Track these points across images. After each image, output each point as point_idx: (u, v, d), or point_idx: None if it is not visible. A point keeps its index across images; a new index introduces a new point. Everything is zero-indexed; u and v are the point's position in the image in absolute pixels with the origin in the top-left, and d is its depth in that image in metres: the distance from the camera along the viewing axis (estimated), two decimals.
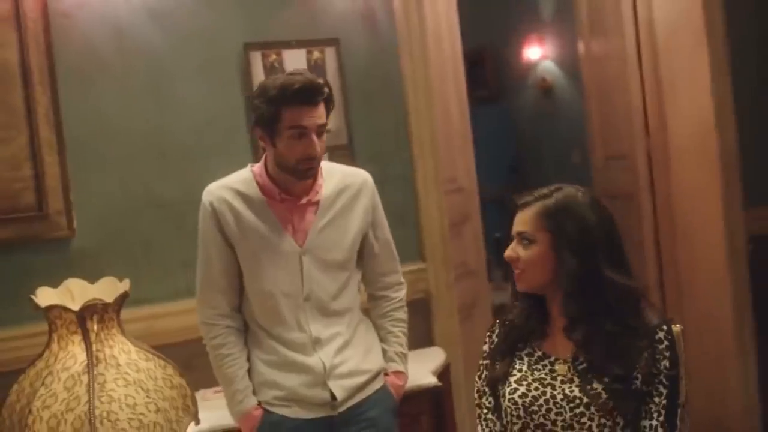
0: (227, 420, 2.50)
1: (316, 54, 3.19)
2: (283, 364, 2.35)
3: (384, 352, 2.49)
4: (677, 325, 1.97)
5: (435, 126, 3.42)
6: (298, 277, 2.34)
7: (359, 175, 2.46)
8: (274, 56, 3.13)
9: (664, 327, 1.90)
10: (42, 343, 2.31)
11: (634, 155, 4.29)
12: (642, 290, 1.98)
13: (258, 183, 2.34)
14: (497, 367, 2.01)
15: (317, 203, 2.36)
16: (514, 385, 1.94)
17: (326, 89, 2.27)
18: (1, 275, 2.80)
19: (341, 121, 3.23)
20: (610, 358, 1.86)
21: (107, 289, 2.39)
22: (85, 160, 2.90)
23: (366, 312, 2.55)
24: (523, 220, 1.94)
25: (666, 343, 1.88)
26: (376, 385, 2.43)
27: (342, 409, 2.35)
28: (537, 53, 6.07)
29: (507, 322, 2.05)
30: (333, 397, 2.33)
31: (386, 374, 2.47)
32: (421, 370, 2.96)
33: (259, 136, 2.32)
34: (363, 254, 2.47)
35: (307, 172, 2.29)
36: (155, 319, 2.95)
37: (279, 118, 2.23)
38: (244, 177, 2.37)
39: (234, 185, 2.35)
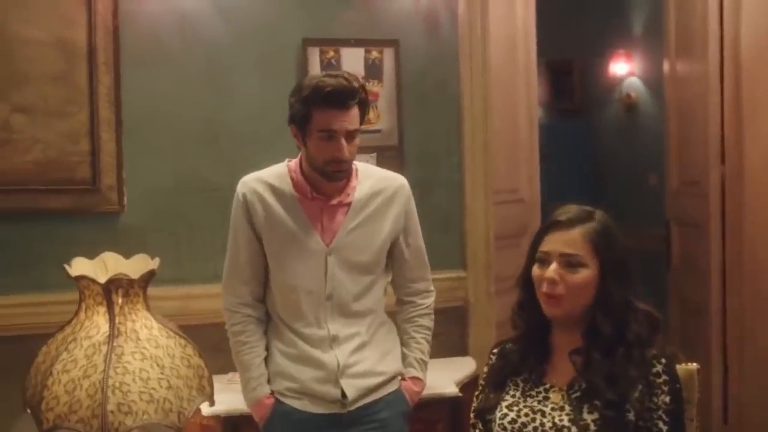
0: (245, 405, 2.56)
1: (374, 54, 3.22)
2: (299, 357, 2.39)
3: (404, 356, 2.50)
4: (692, 364, 1.90)
5: (490, 133, 3.40)
6: (322, 276, 2.36)
7: (395, 180, 2.46)
8: (331, 53, 3.17)
9: (663, 360, 1.83)
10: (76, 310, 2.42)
11: (707, 182, 4.14)
12: (661, 322, 1.93)
13: (292, 179, 2.38)
14: (489, 397, 1.97)
15: (348, 204, 2.38)
16: (505, 410, 1.91)
17: (360, 94, 2.28)
18: (52, 242, 2.93)
19: (393, 122, 3.25)
20: (607, 383, 1.81)
21: (139, 265, 2.47)
22: (140, 140, 3.03)
23: (393, 315, 2.56)
24: (569, 241, 1.86)
25: (665, 377, 1.82)
26: (390, 387, 2.44)
27: (352, 408, 2.37)
28: (624, 68, 5.93)
29: (504, 354, 2.01)
30: (343, 395, 2.36)
31: (403, 379, 2.48)
32: (445, 378, 2.95)
33: (294, 133, 2.36)
34: (393, 259, 2.48)
35: (335, 174, 2.32)
36: (191, 299, 3.05)
37: (310, 119, 2.27)
38: (279, 171, 2.41)
39: (268, 179, 2.40)
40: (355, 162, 2.43)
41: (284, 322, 2.42)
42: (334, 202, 2.37)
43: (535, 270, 1.91)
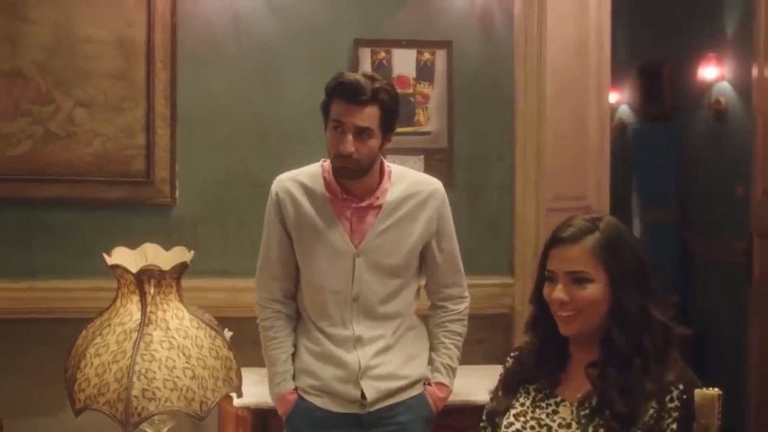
0: None
1: (426, 55, 3.22)
2: (323, 355, 2.42)
3: (432, 361, 2.49)
4: (713, 389, 1.81)
5: (544, 137, 3.34)
6: (349, 277, 2.38)
7: (430, 184, 2.44)
8: (383, 54, 3.19)
9: (680, 386, 1.74)
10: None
11: None
12: (678, 337, 1.85)
13: (324, 179, 2.40)
14: (499, 401, 1.94)
15: (379, 207, 2.38)
16: (512, 419, 1.87)
17: (380, 95, 2.26)
18: (107, 231, 3.07)
19: (443, 124, 3.24)
20: (619, 394, 1.74)
21: (178, 257, 2.56)
22: (193, 135, 3.14)
23: (425, 320, 2.56)
24: (572, 258, 1.79)
25: (677, 403, 1.73)
26: (413, 392, 2.44)
27: (371, 409, 2.38)
28: (714, 73, 5.68)
29: (521, 359, 1.97)
30: (363, 396, 2.37)
31: (429, 384, 2.47)
32: (480, 385, 2.90)
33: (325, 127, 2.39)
34: (426, 264, 2.47)
35: (340, 170, 2.32)
36: (238, 291, 3.12)
37: (329, 109, 2.30)
38: (313, 171, 2.44)
39: (301, 178, 2.43)
40: (389, 164, 2.43)
41: (311, 320, 2.45)
42: (365, 204, 2.37)
43: (546, 289, 1.85)
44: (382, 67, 3.14)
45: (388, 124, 2.31)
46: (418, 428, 2.43)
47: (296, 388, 2.45)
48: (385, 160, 2.44)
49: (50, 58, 3.07)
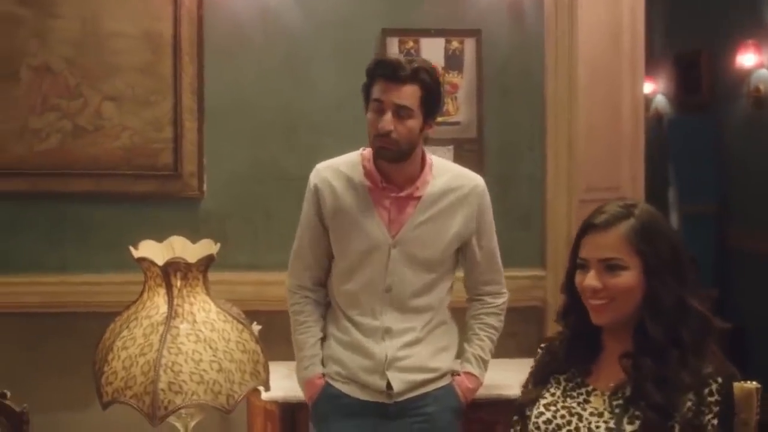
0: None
1: (455, 44, 3.17)
2: (350, 344, 2.40)
3: (463, 351, 2.46)
4: (751, 383, 1.75)
5: (576, 127, 3.28)
6: (383, 268, 2.35)
7: (471, 179, 2.41)
8: (411, 43, 3.16)
9: (719, 379, 1.68)
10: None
11: None
12: (716, 327, 1.79)
13: (364, 167, 2.37)
14: (529, 392, 1.90)
15: (419, 198, 2.35)
16: (542, 409, 1.82)
17: (420, 74, 2.24)
18: (136, 225, 3.07)
19: (473, 114, 3.20)
20: (656, 385, 1.69)
21: (205, 250, 2.55)
22: (221, 128, 3.13)
23: (460, 312, 2.52)
24: (606, 245, 1.74)
25: (717, 397, 1.67)
26: (441, 383, 2.40)
27: (398, 399, 2.35)
28: (752, 60, 5.55)
29: (551, 350, 1.92)
30: (389, 386, 2.35)
31: (458, 374, 2.44)
32: (512, 379, 2.85)
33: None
34: (465, 260, 2.45)
35: (379, 150, 2.29)
36: (266, 285, 3.11)
37: (369, 91, 2.29)
38: (352, 159, 2.41)
39: (339, 166, 2.41)
40: (431, 156, 2.40)
41: (341, 308, 2.43)
42: (404, 194, 2.34)
43: (578, 277, 1.80)
44: (410, 56, 3.09)
45: (428, 106, 2.28)
46: (446, 419, 2.40)
47: (324, 375, 2.43)
48: (427, 152, 2.40)
49: (78, 52, 3.08)
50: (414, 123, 2.26)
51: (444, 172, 2.38)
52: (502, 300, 2.49)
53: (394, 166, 2.32)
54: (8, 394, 2.09)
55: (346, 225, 2.36)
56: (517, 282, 2.83)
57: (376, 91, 2.26)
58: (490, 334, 2.47)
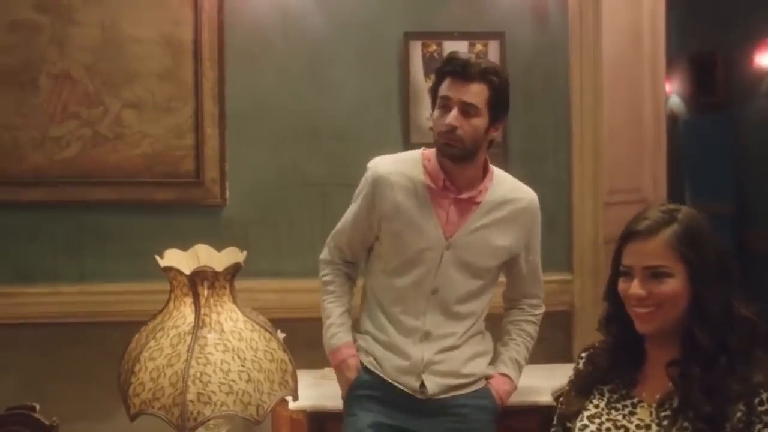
0: (334, 402, 2.55)
1: (478, 47, 3.14)
2: (387, 344, 2.37)
3: (498, 354, 2.44)
4: None
5: (601, 130, 3.24)
6: (434, 269, 2.32)
7: (528, 194, 2.42)
8: (434, 47, 3.12)
9: None
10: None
11: None
12: (764, 333, 1.75)
13: (425, 167, 2.34)
14: (572, 403, 1.85)
15: (477, 204, 2.33)
16: (586, 421, 1.77)
17: (488, 75, 2.24)
18: (157, 233, 3.04)
19: None
20: (704, 394, 1.64)
21: (230, 258, 2.51)
22: (242, 134, 3.09)
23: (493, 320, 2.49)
24: (650, 252, 1.70)
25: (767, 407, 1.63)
26: (475, 386, 2.38)
27: (433, 398, 2.33)
28: None
29: (593, 359, 1.87)
30: (422, 385, 2.32)
31: (492, 377, 2.40)
32: (542, 385, 2.82)
33: None
34: (510, 273, 2.45)
35: (444, 147, 2.26)
36: (289, 292, 3.08)
37: (437, 89, 2.28)
38: (413, 157, 2.39)
39: (400, 163, 2.38)
40: (493, 166, 2.39)
41: (382, 304, 2.39)
42: (465, 196, 2.31)
43: (621, 284, 1.76)
44: (433, 61, 3.05)
45: (495, 108, 2.27)
46: (479, 418, 2.36)
47: (356, 347, 2.40)
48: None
49: (98, 59, 3.04)
50: (480, 122, 2.25)
51: (503, 182, 2.39)
52: (540, 311, 2.51)
53: (457, 168, 2.30)
54: (38, 407, 2.05)
55: (401, 223, 2.33)
56: (547, 286, 2.77)
57: (444, 89, 2.25)
58: (526, 341, 2.46)
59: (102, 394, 2.87)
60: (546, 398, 2.77)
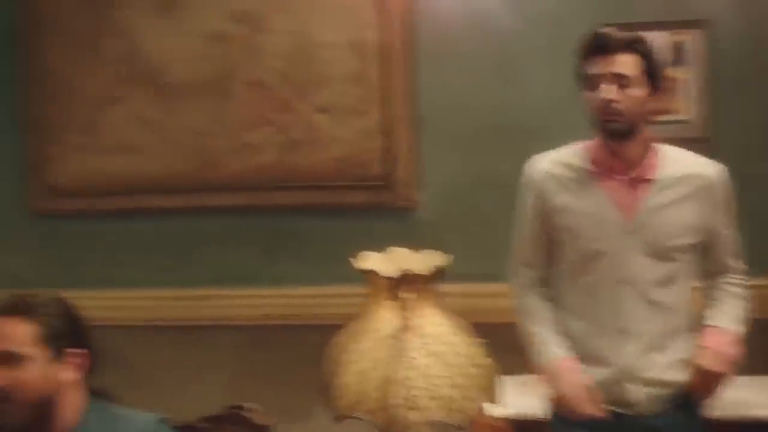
0: (537, 410, 2.45)
1: (679, 36, 2.94)
2: (583, 354, 2.24)
3: (707, 314, 2.24)
4: None
5: None
6: (620, 256, 2.18)
7: (712, 167, 2.25)
8: None
9: None
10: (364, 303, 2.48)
11: None
12: None
13: (586, 153, 2.24)
14: None
15: (649, 181, 2.18)
16: None
17: (634, 43, 2.11)
18: (349, 236, 3.04)
19: (701, 112, 2.94)
20: None
21: (428, 260, 2.47)
22: (433, 135, 3.06)
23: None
24: None
25: None
26: (683, 400, 2.20)
27: (635, 412, 2.19)
28: None
29: None
30: (627, 398, 2.18)
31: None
32: (761, 397, 2.60)
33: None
34: (704, 251, 2.25)
35: (605, 124, 2.14)
36: (482, 296, 3.00)
37: (583, 72, 2.16)
38: (573, 148, 2.28)
39: (561, 156, 2.28)
40: (658, 144, 2.23)
41: (570, 308, 2.26)
42: (633, 175, 2.18)
43: None
44: None
45: (651, 75, 2.13)
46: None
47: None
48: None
49: (289, 66, 3.11)
50: (636, 92, 2.12)
51: (677, 159, 2.23)
52: (746, 282, 2.28)
53: (621, 146, 2.16)
54: (257, 409, 2.07)
55: (575, 216, 2.21)
56: (759, 291, 2.55)
57: (588, 68, 2.15)
58: (738, 301, 2.25)
59: (300, 396, 2.91)
60: (766, 412, 2.56)
